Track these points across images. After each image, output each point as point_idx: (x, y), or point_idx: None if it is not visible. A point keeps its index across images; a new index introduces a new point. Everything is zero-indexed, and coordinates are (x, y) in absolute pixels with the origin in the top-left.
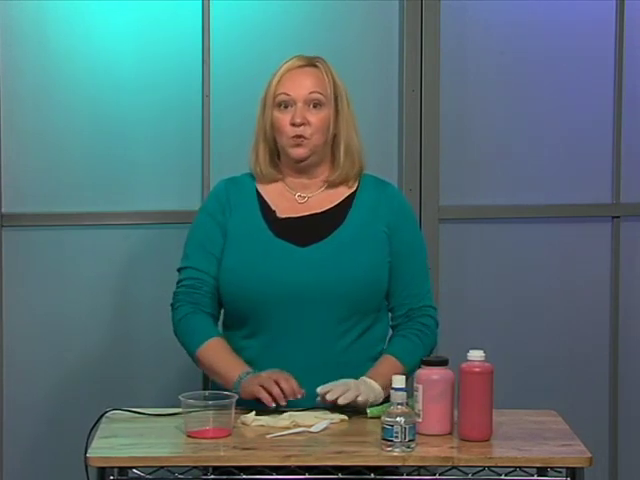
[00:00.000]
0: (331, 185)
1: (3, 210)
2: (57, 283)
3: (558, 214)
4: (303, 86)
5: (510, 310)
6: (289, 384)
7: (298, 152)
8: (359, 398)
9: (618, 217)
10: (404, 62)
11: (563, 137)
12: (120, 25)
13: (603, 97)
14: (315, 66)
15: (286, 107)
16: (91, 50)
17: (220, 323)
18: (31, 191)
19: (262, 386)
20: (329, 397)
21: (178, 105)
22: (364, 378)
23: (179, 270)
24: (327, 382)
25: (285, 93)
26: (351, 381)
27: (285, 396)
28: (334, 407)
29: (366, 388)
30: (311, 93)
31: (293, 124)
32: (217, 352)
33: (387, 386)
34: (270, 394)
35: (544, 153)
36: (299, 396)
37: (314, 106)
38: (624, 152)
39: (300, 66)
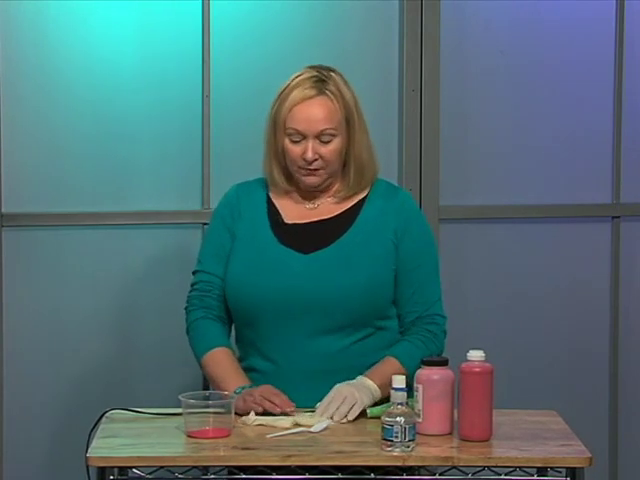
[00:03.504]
0: (340, 197)
1: (3, 210)
2: (57, 283)
3: (558, 214)
4: (314, 121)
5: (510, 310)
6: (280, 399)
7: (312, 181)
8: (354, 408)
9: (618, 217)
10: (404, 62)
11: (563, 137)
12: (120, 25)
13: (603, 97)
14: (325, 94)
15: (297, 140)
16: (91, 50)
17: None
18: (31, 191)
19: (255, 403)
20: (336, 419)
21: (178, 105)
22: (360, 378)
23: (193, 273)
24: (325, 388)
25: (296, 129)
26: (345, 389)
27: (278, 406)
28: None
29: (361, 391)
30: (323, 130)
31: (304, 159)
32: (218, 362)
33: (385, 385)
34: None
35: (544, 153)
36: (288, 410)
37: (326, 139)
38: (624, 152)
39: (309, 97)
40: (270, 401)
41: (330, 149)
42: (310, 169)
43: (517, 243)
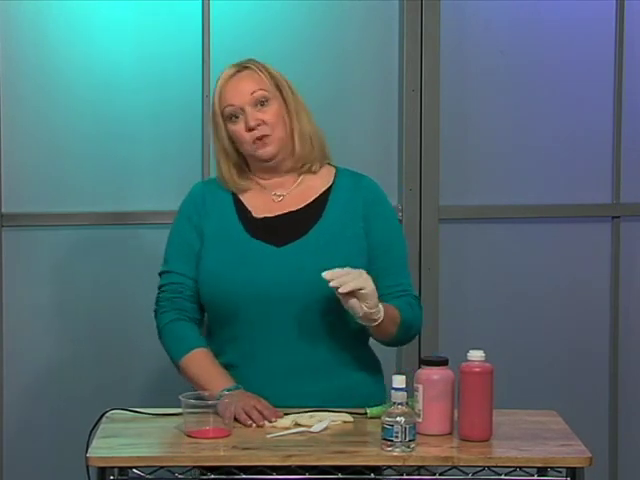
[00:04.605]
0: (298, 173)
1: (3, 210)
2: (57, 283)
3: (558, 214)
4: (243, 91)
5: (510, 310)
6: (269, 409)
7: (266, 151)
8: (362, 291)
9: (618, 217)
10: (404, 62)
11: (563, 137)
12: (120, 25)
13: (603, 97)
14: (247, 68)
15: (237, 117)
16: (91, 50)
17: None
18: (31, 191)
19: (244, 410)
20: (333, 284)
21: (178, 105)
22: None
23: (160, 274)
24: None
25: (230, 104)
26: (355, 271)
27: (265, 417)
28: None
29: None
30: (253, 93)
31: (249, 129)
32: (200, 364)
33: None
34: (250, 417)
35: (544, 153)
36: (273, 419)
37: (262, 104)
38: (624, 152)
39: (233, 74)
40: (259, 411)
41: (269, 112)
42: (259, 138)
43: (517, 243)
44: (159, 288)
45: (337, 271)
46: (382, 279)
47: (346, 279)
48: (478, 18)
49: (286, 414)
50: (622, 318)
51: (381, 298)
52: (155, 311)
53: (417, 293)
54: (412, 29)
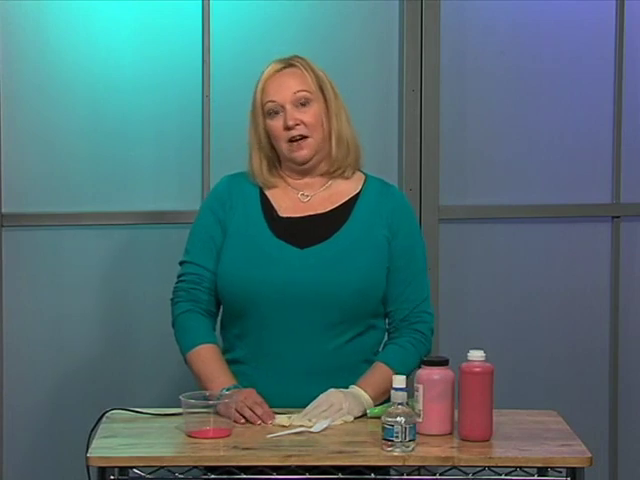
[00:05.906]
0: (329, 177)
1: (3, 210)
2: (57, 283)
3: (558, 214)
4: (287, 88)
5: (510, 310)
6: (262, 409)
7: (301, 154)
8: (337, 415)
9: (618, 217)
10: (404, 62)
11: (563, 137)
12: (120, 25)
13: (603, 97)
14: (293, 65)
15: (277, 113)
16: (91, 50)
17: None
18: (31, 191)
19: (236, 410)
20: (320, 424)
21: (178, 105)
22: (353, 388)
23: (180, 264)
24: (319, 385)
25: (271, 100)
26: (333, 396)
27: (259, 418)
28: None
29: (350, 401)
30: (296, 93)
31: (287, 128)
32: (204, 360)
33: (378, 396)
34: (244, 417)
35: (544, 153)
36: (269, 422)
37: (302, 105)
38: (624, 152)
39: (279, 70)
40: (252, 410)
41: (309, 114)
42: (296, 138)
43: (517, 243)
44: (178, 277)
45: (311, 407)
46: (400, 292)
47: (325, 415)
48: (478, 18)
49: (277, 413)
50: (622, 318)
51: (397, 314)
52: (171, 300)
53: (432, 309)
54: (412, 29)
